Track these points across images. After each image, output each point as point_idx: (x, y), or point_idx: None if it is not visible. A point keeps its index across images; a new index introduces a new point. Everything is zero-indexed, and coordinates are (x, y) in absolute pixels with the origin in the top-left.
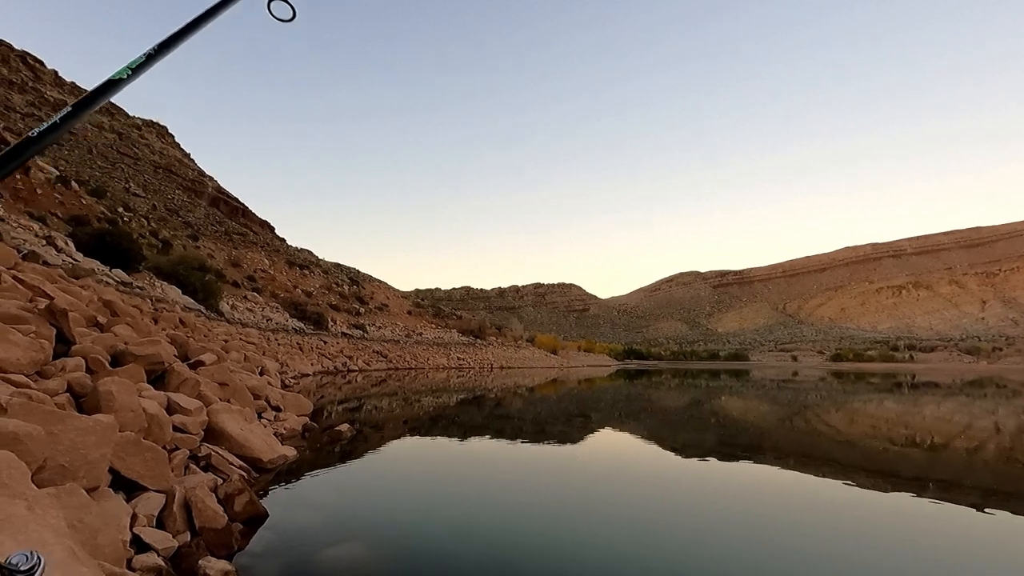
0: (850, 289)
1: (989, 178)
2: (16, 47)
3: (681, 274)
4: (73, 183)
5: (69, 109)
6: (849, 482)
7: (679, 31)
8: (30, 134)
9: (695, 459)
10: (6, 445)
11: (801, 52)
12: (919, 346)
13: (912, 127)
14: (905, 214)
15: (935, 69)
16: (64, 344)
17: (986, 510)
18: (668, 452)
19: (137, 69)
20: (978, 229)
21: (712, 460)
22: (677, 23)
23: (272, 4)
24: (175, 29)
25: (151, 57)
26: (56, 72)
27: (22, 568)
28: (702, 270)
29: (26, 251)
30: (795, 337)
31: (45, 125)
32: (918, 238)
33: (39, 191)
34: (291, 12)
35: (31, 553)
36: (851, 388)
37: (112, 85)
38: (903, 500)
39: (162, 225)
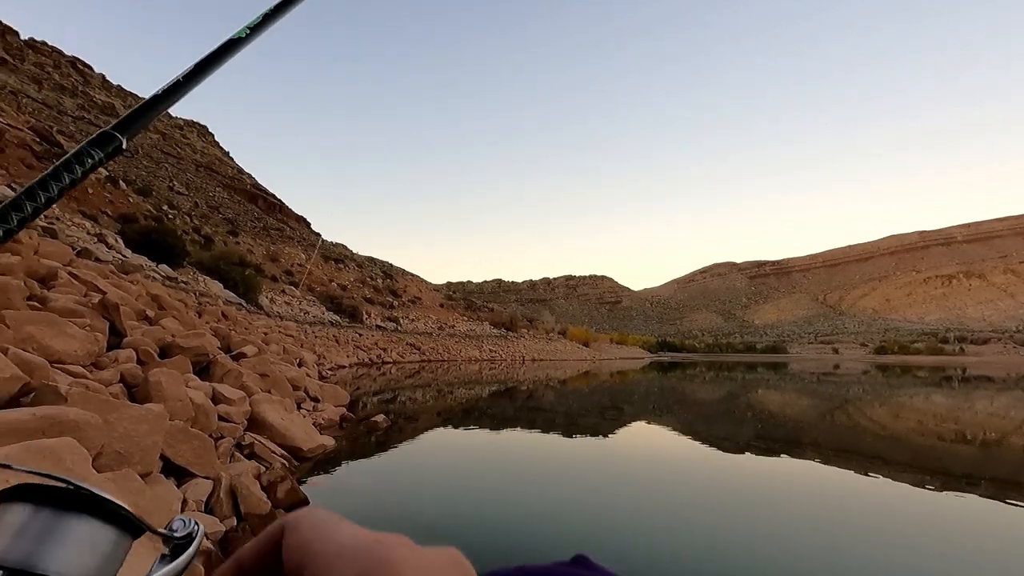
0: (896, 279)
1: None
2: (66, 53)
3: (716, 265)
4: (121, 183)
5: (192, 67)
6: (894, 480)
7: (705, 16)
8: (155, 92)
9: (730, 454)
10: (68, 432)
11: (846, 32)
12: (971, 338)
13: (963, 110)
14: (955, 200)
15: (986, 51)
16: (116, 336)
17: None
18: (701, 446)
19: (255, 28)
20: None
21: (747, 455)
22: (701, 8)
23: None
24: None
25: (268, 17)
26: (104, 76)
27: (179, 534)
28: (738, 260)
29: (80, 248)
30: (836, 329)
31: (168, 83)
32: (969, 225)
33: (90, 191)
34: None
35: (188, 520)
36: (896, 382)
37: (232, 45)
38: (951, 499)
39: (204, 222)
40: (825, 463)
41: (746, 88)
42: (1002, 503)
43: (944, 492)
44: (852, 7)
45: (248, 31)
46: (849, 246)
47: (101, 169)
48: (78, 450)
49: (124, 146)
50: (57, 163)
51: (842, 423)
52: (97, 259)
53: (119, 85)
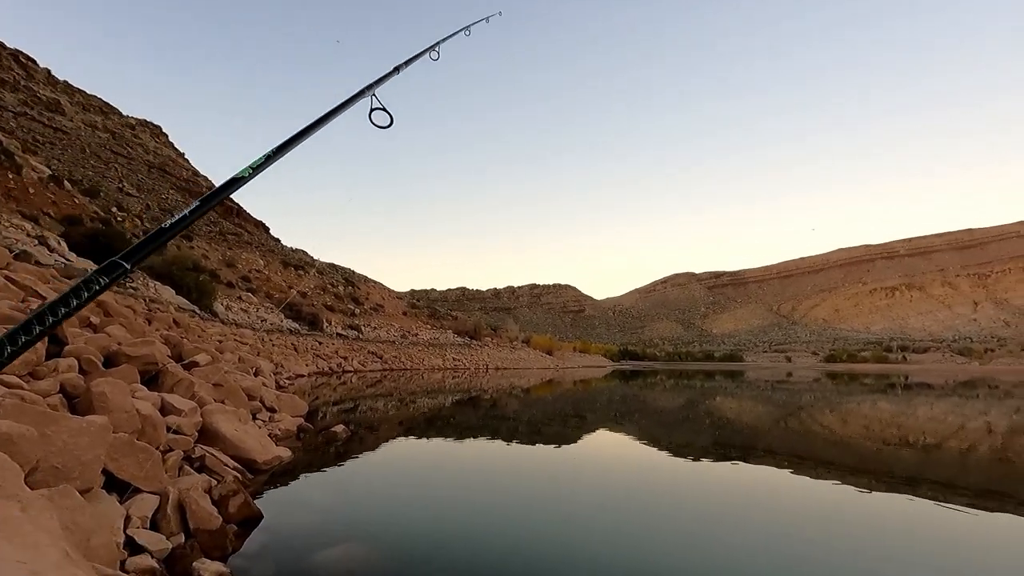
0: (844, 290)
1: (981, 180)
2: (8, 45)
3: (676, 275)
4: (66, 183)
5: (197, 203)
6: (842, 483)
7: (670, 28)
8: (162, 225)
9: (689, 460)
10: None
11: (791, 49)
12: (912, 347)
13: (905, 127)
14: (899, 216)
15: (927, 68)
16: (57, 345)
17: (978, 511)
18: (662, 453)
19: (257, 168)
20: (970, 231)
21: (705, 461)
22: (666, 20)
23: (373, 113)
24: (291, 134)
25: (269, 158)
26: (49, 71)
27: None
28: (697, 271)
29: (18, 251)
30: (789, 338)
31: (176, 217)
32: (911, 240)
33: (31, 190)
34: (389, 120)
35: None
36: (845, 389)
37: (234, 182)
38: (896, 501)
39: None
40: (778, 468)
41: (705, 103)
42: (939, 504)
43: (888, 494)
44: (782, 24)
45: (251, 170)
46: (801, 258)
47: (45, 168)
48: (10, 465)
49: (129, 273)
50: (66, 289)
51: (795, 429)
52: (37, 262)
53: (66, 81)
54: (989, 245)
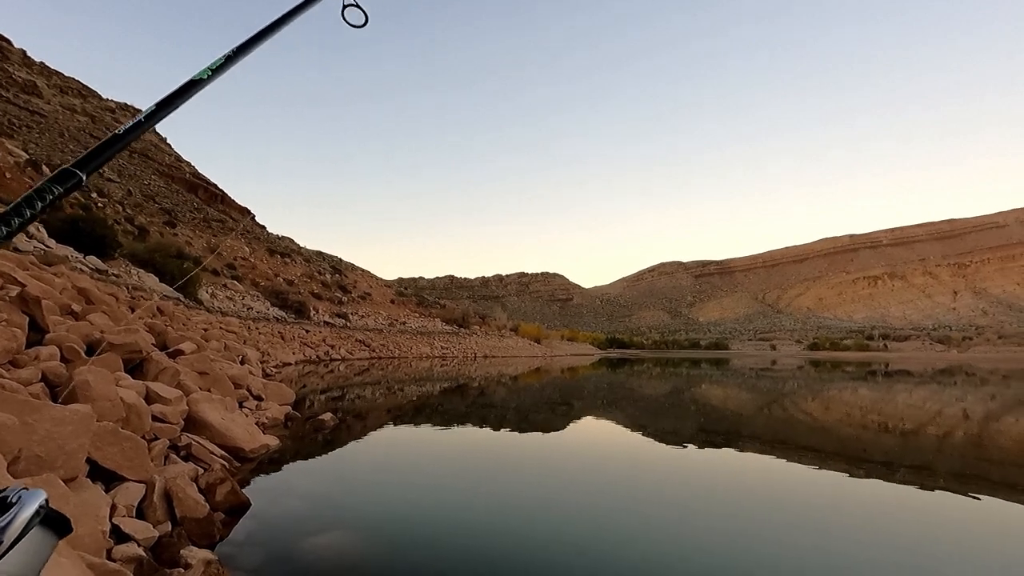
0: (828, 279)
1: (963, 171)
2: None
3: (663, 264)
4: (44, 167)
5: (153, 107)
6: (823, 468)
7: (660, 21)
8: (116, 132)
9: (674, 447)
10: None
11: (779, 43)
12: (893, 335)
13: (889, 119)
14: (883, 206)
15: (910, 61)
16: (38, 332)
17: (955, 494)
18: (648, 440)
19: (217, 70)
20: (951, 221)
21: (691, 447)
22: (659, 12)
23: (346, 10)
24: (252, 33)
25: (230, 59)
26: (24, 52)
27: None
28: (684, 260)
29: None
30: (774, 326)
31: (130, 123)
32: (894, 230)
33: (8, 175)
34: (364, 18)
35: (27, 490)
36: (827, 376)
37: (193, 85)
38: (875, 486)
39: (138, 211)
40: (762, 454)
41: (692, 94)
42: (916, 488)
43: (867, 479)
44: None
45: (210, 72)
46: (787, 247)
47: (22, 152)
48: None
49: (84, 182)
50: (19, 199)
51: (779, 416)
52: (16, 249)
53: (42, 62)
54: (969, 235)
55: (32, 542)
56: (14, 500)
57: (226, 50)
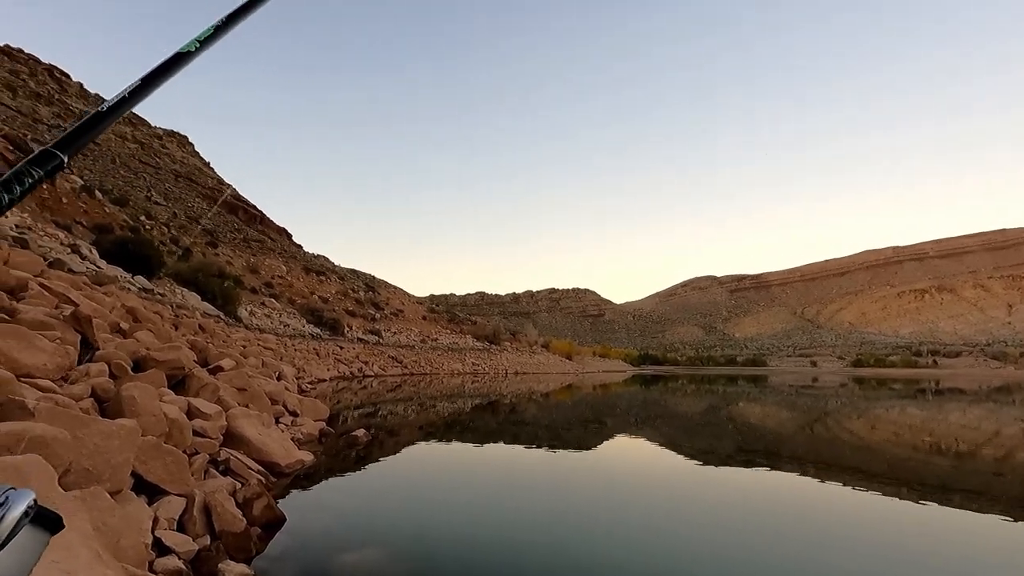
0: (870, 293)
1: (1014, 179)
2: (43, 60)
3: (697, 278)
4: (97, 192)
5: (138, 82)
6: (871, 491)
7: (690, 32)
8: (100, 108)
9: (711, 467)
10: (34, 448)
11: (817, 50)
12: (943, 351)
13: (933, 127)
14: (927, 216)
15: (958, 68)
16: (88, 350)
17: (1017, 521)
18: (684, 459)
19: (205, 42)
20: (1003, 231)
21: (728, 468)
22: (689, 24)
23: None
24: (241, 2)
25: (219, 29)
26: (81, 84)
27: None
28: (718, 274)
29: (52, 259)
30: (814, 342)
31: (113, 100)
32: (941, 241)
33: (64, 200)
34: None
35: (18, 490)
36: (872, 394)
37: (179, 59)
38: (927, 511)
39: (182, 232)
40: (804, 475)
41: (723, 106)
42: (976, 514)
43: (920, 503)
44: (806, 25)
45: (198, 44)
46: (826, 260)
47: (77, 178)
48: (44, 467)
49: (66, 164)
50: None
51: (821, 436)
52: (70, 270)
53: (97, 94)
54: (1023, 246)
55: (23, 541)
56: (2, 501)
57: (215, 20)
